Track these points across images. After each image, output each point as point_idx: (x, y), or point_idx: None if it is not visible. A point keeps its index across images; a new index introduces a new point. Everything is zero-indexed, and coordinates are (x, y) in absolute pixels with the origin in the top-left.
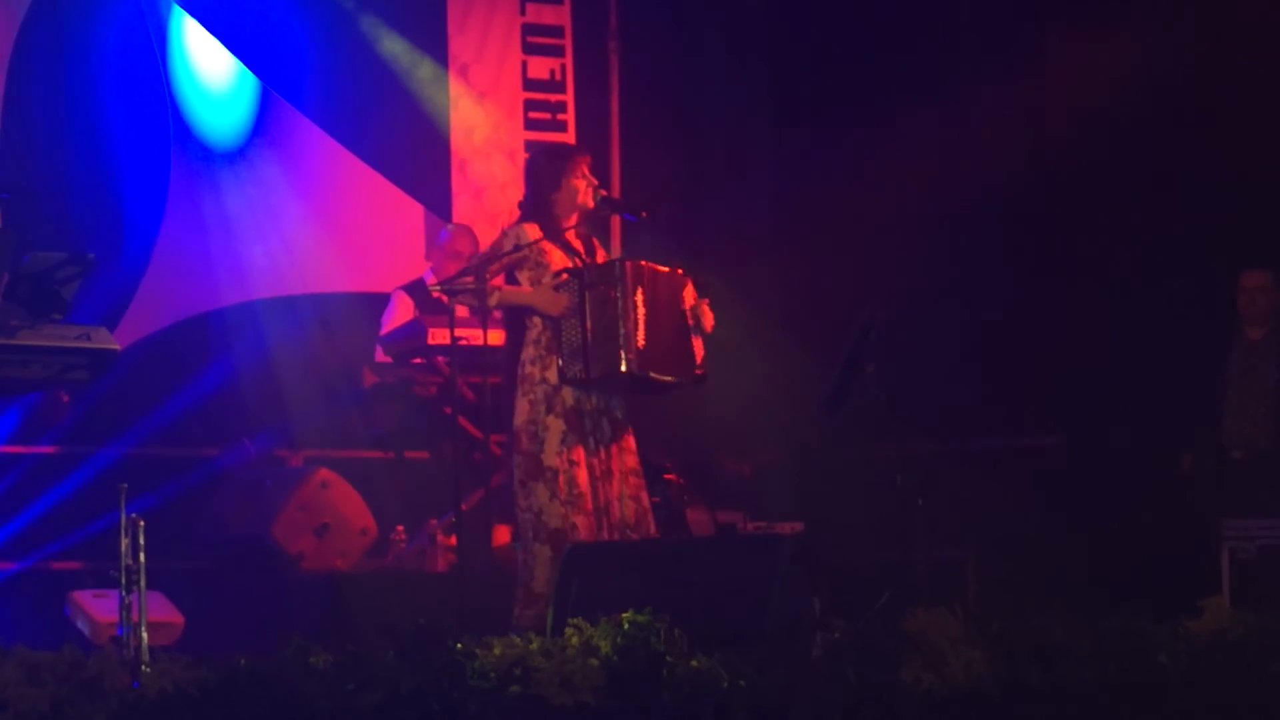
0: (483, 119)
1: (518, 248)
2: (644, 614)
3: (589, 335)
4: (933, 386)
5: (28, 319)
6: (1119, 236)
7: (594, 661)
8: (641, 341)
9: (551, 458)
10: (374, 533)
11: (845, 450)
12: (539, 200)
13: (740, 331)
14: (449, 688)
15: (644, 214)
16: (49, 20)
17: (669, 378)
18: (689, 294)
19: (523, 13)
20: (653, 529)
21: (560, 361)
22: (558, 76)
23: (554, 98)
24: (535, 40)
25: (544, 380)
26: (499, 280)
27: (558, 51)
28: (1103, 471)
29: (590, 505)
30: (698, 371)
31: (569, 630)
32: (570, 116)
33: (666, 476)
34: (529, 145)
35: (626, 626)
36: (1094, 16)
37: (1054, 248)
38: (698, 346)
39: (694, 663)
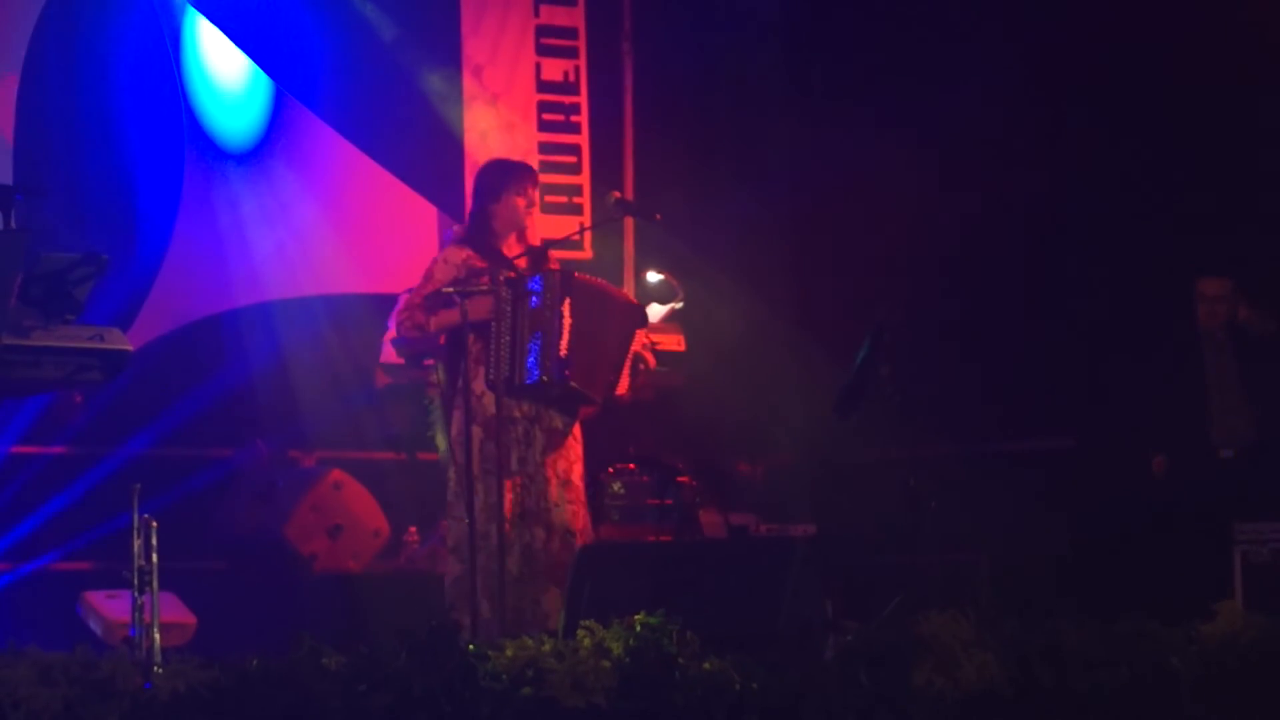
0: (496, 121)
1: (449, 277)
2: (656, 616)
3: (514, 343)
4: (946, 389)
5: (41, 319)
6: (1127, 233)
7: (606, 663)
8: (564, 350)
9: (472, 468)
10: (386, 534)
11: (858, 453)
12: (479, 211)
13: (753, 333)
14: (461, 689)
15: (658, 216)
16: (63, 22)
17: (591, 392)
18: (640, 331)
19: (536, 14)
20: (591, 538)
21: (486, 370)
22: (571, 78)
23: (568, 99)
24: (549, 42)
25: (468, 390)
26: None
27: (571, 53)
28: (1114, 473)
29: (507, 513)
30: (620, 392)
31: (581, 632)
32: (584, 118)
33: (680, 478)
34: (543, 146)
35: (639, 628)
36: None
37: (1069, 247)
38: (625, 375)
39: (706, 665)
